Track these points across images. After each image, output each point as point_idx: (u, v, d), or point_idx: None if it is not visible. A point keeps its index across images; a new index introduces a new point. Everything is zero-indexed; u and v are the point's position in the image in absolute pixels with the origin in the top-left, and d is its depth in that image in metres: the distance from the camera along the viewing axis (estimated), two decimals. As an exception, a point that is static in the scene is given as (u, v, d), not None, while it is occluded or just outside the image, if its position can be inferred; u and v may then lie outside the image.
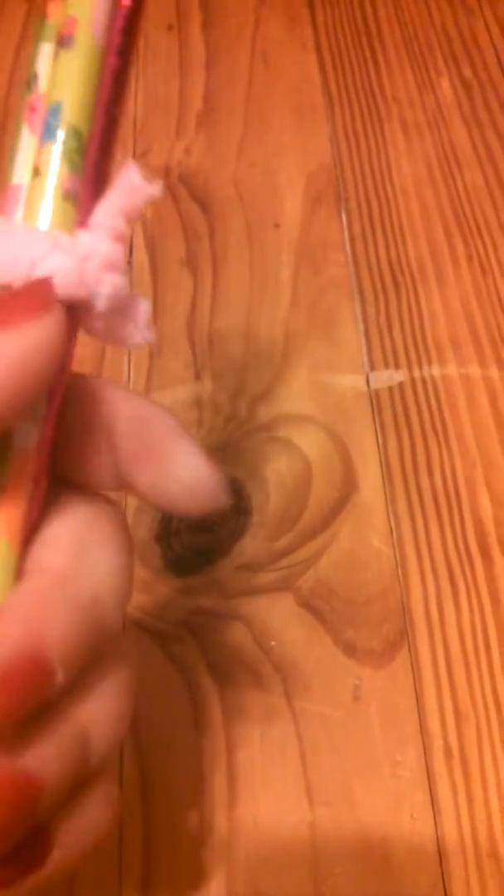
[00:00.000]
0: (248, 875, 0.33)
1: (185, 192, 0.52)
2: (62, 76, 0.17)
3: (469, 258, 0.48)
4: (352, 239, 0.50)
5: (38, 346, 0.16)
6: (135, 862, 0.33)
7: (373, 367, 0.45)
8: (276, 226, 0.50)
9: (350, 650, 0.37)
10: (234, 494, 0.41)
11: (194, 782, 0.35)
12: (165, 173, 0.53)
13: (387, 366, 0.45)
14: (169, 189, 0.52)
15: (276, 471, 0.42)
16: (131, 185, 0.17)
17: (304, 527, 0.40)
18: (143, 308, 0.19)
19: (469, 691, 0.36)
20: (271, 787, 0.35)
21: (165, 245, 0.50)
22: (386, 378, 0.45)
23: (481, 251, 0.49)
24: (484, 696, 0.36)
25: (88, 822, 0.19)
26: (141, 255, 0.50)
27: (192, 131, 0.55)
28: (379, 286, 0.48)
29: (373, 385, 0.44)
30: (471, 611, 0.38)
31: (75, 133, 0.17)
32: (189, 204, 0.51)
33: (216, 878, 0.33)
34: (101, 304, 0.18)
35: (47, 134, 0.17)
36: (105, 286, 0.17)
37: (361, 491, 0.41)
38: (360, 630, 0.38)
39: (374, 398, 0.44)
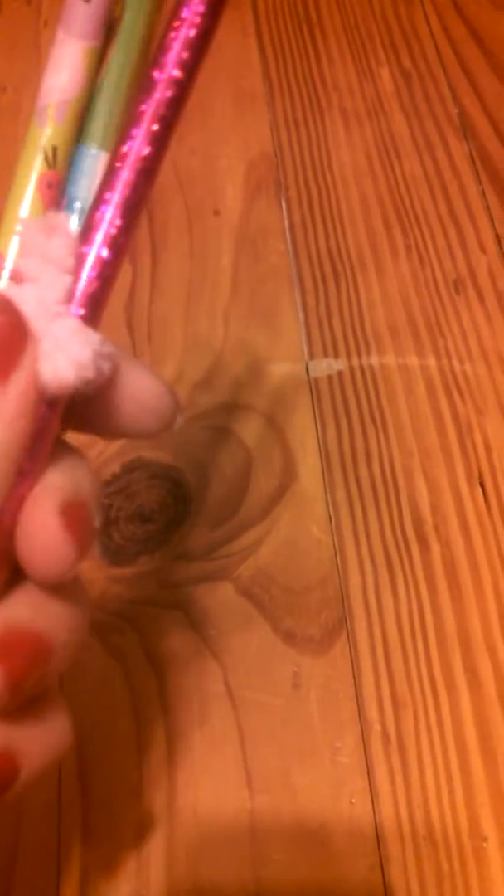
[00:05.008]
0: (187, 862, 0.33)
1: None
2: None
3: (408, 248, 0.49)
4: (292, 227, 0.50)
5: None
6: (73, 849, 0.33)
7: (312, 356, 0.45)
8: (216, 213, 0.50)
9: (289, 638, 0.38)
10: (173, 483, 0.41)
11: (134, 771, 0.35)
12: (104, 157, 0.52)
13: (326, 354, 0.45)
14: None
15: (216, 459, 0.42)
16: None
17: (243, 515, 0.40)
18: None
19: (406, 678, 0.37)
20: (211, 775, 0.35)
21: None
22: (325, 367, 0.45)
23: (420, 241, 0.49)
24: (421, 683, 0.37)
25: (47, 739, 0.20)
26: (79, 241, 0.49)
27: (130, 115, 0.54)
28: (318, 275, 0.48)
29: (312, 374, 0.44)
30: (408, 598, 0.39)
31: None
32: (128, 189, 0.50)
33: (156, 865, 0.33)
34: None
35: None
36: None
37: (300, 480, 0.41)
38: (299, 618, 0.38)
39: (314, 387, 0.44)
